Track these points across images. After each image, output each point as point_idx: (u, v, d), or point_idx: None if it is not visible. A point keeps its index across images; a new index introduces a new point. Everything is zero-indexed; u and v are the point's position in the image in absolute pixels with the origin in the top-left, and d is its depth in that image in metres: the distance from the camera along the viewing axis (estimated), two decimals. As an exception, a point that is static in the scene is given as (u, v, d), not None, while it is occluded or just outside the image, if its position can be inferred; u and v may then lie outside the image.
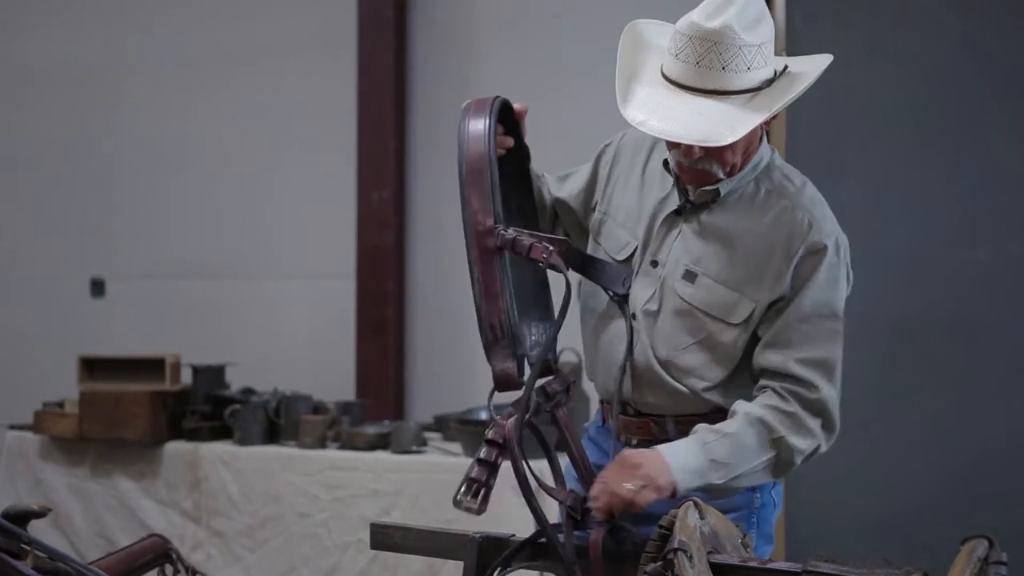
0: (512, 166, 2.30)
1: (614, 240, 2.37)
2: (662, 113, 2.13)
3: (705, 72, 2.11)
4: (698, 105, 2.12)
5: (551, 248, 2.05)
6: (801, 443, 2.16)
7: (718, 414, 2.24)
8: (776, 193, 2.26)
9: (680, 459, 2.11)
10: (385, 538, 2.19)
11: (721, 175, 2.22)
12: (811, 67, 2.21)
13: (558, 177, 2.53)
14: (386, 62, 4.91)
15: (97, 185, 5.65)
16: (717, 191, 2.25)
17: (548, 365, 2.15)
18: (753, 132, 2.17)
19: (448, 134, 5.25)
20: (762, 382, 2.21)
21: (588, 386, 3.49)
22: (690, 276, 2.25)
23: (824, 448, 2.21)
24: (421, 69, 4.97)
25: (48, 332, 5.66)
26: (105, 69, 5.63)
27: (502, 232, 2.02)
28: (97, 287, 5.63)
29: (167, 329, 5.35)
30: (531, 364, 2.07)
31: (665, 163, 2.32)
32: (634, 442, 2.31)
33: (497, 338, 2.01)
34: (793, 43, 4.40)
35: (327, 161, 5.17)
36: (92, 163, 5.67)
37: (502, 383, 2.03)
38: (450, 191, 5.28)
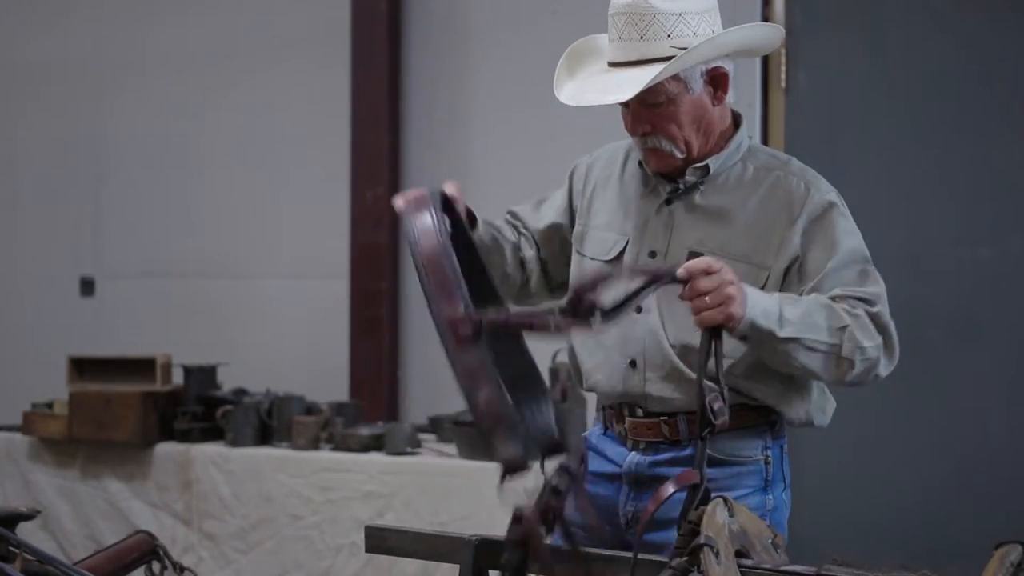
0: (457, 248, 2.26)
1: (599, 243, 2.37)
2: (584, 90, 2.23)
3: (627, 44, 2.18)
4: (622, 75, 2.17)
5: (549, 318, 1.92)
6: (865, 341, 2.15)
7: (733, 410, 2.16)
8: (765, 168, 2.29)
9: (754, 294, 2.08)
10: (380, 541, 2.16)
11: (676, 152, 2.25)
12: (750, 33, 2.28)
13: (534, 204, 2.54)
14: (380, 57, 4.87)
15: (86, 183, 5.61)
16: (707, 167, 2.27)
17: (555, 443, 2.07)
18: (701, 108, 2.23)
19: (444, 130, 5.26)
20: None
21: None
22: (695, 257, 2.21)
23: (882, 371, 2.19)
24: (416, 64, 4.94)
25: (37, 332, 5.62)
26: (94, 66, 5.59)
27: (475, 317, 1.92)
28: (87, 286, 5.59)
29: (158, 329, 5.31)
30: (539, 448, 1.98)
31: (640, 163, 2.35)
32: (642, 445, 2.30)
33: (496, 425, 1.90)
34: (793, 42, 4.38)
35: (320, 158, 5.13)
36: (81, 161, 5.62)
37: (512, 469, 1.90)
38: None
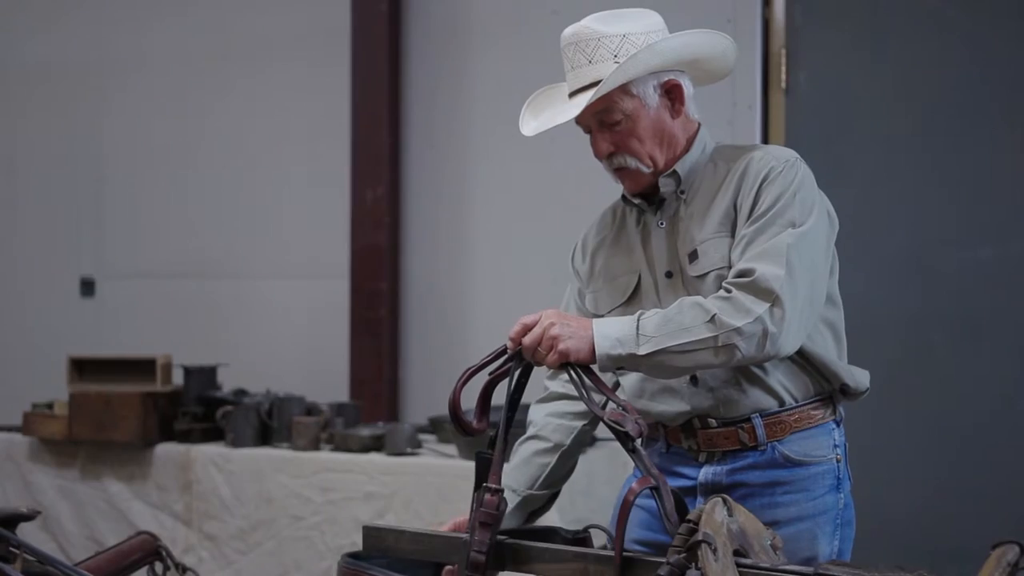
0: None
1: (611, 294, 2.40)
2: (544, 120, 2.32)
3: (578, 72, 2.27)
4: (576, 99, 2.27)
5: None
6: (737, 321, 2.10)
7: (803, 409, 2.27)
8: (733, 158, 2.33)
9: (605, 326, 2.14)
10: (378, 541, 2.16)
11: (643, 168, 2.30)
12: (691, 39, 2.30)
13: None
14: (381, 58, 4.87)
15: (87, 184, 5.61)
16: (675, 172, 2.32)
17: None
18: (661, 122, 2.29)
19: (444, 131, 5.27)
20: None
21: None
22: (693, 255, 2.28)
23: (774, 329, 2.12)
24: (417, 65, 4.94)
25: (37, 332, 5.62)
26: (94, 66, 5.59)
27: None
28: (87, 287, 5.59)
29: (158, 329, 5.31)
30: None
31: (624, 198, 2.41)
32: (717, 456, 2.30)
33: None
34: (793, 41, 4.38)
35: (320, 158, 5.13)
36: (82, 161, 5.63)
37: None
38: (445, 189, 5.28)
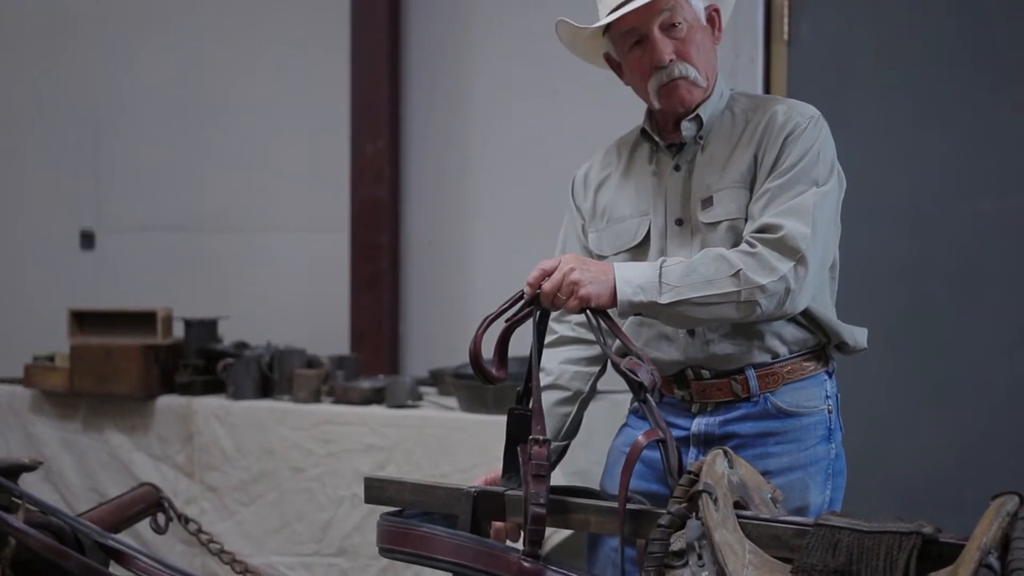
0: None
1: (620, 236, 2.37)
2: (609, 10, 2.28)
3: None
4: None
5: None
6: (762, 278, 2.12)
7: (796, 361, 2.28)
8: (751, 108, 2.32)
9: (627, 271, 2.13)
10: (379, 492, 2.16)
11: (701, 80, 2.28)
12: None
13: None
14: (380, 9, 4.84)
15: (87, 135, 5.59)
16: (699, 117, 2.30)
17: None
18: (708, 41, 2.30)
19: (445, 83, 5.21)
20: None
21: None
22: (708, 201, 2.27)
23: (795, 287, 2.15)
24: (416, 16, 4.90)
25: (38, 285, 5.62)
26: (95, 18, 5.56)
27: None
28: (87, 240, 5.58)
29: (158, 282, 5.31)
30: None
31: (643, 131, 2.38)
32: (710, 407, 2.31)
33: None
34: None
35: (320, 111, 5.11)
36: (82, 114, 5.60)
37: None
38: (446, 142, 5.24)
